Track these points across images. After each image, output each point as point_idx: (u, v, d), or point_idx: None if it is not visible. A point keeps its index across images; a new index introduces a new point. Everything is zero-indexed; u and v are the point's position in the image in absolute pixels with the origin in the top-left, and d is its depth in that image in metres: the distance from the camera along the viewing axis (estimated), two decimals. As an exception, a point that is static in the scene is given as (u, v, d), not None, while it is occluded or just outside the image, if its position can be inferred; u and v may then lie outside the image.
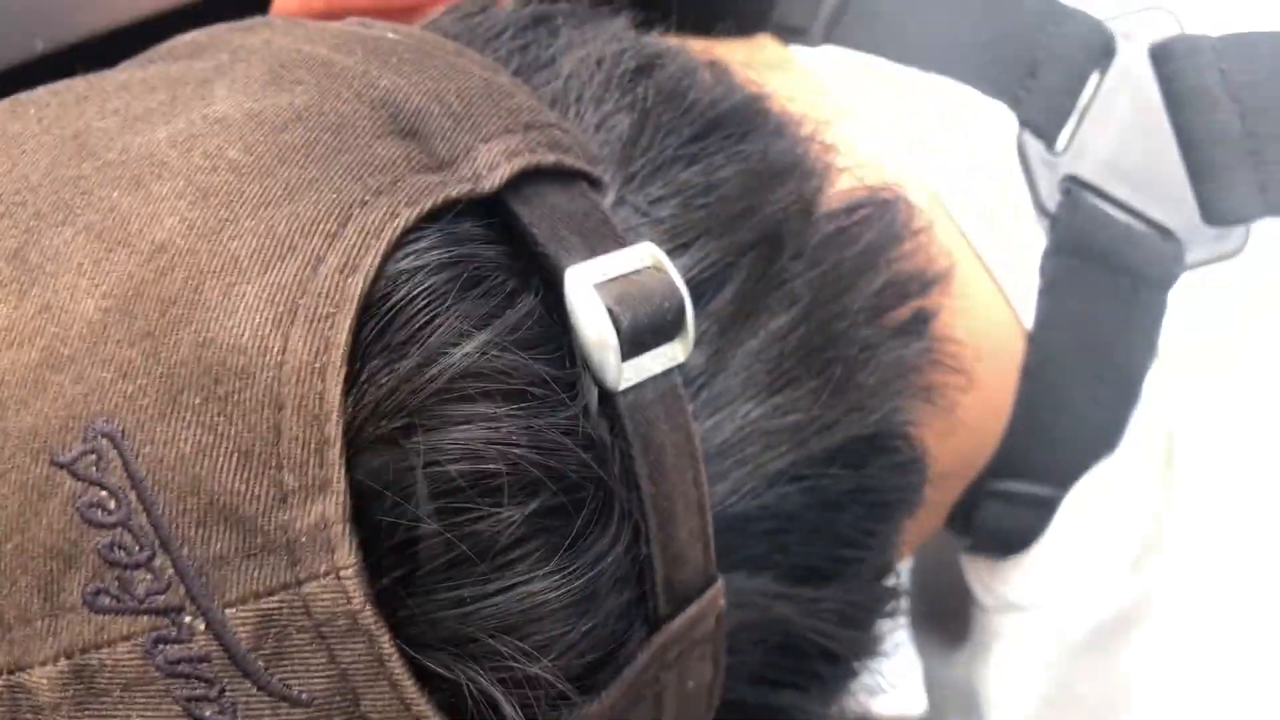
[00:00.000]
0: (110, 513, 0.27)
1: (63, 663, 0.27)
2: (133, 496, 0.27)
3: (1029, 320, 0.40)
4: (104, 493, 0.27)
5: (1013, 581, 0.43)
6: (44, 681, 0.27)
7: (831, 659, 0.36)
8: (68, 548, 0.27)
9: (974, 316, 0.39)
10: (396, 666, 0.27)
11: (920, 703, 0.52)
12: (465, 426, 0.28)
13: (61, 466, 0.27)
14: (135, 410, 0.27)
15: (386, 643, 0.27)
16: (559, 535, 0.29)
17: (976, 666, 0.45)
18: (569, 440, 0.29)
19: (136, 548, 0.27)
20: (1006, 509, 0.42)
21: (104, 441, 0.27)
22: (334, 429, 0.27)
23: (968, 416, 0.39)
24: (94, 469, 0.27)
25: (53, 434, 0.27)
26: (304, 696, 0.27)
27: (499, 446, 0.28)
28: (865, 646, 0.38)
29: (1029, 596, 0.43)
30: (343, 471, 0.27)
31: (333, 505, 0.27)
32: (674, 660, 0.32)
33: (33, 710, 0.28)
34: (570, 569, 0.29)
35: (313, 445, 0.27)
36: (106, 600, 0.27)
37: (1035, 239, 0.40)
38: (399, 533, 0.28)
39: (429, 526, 0.28)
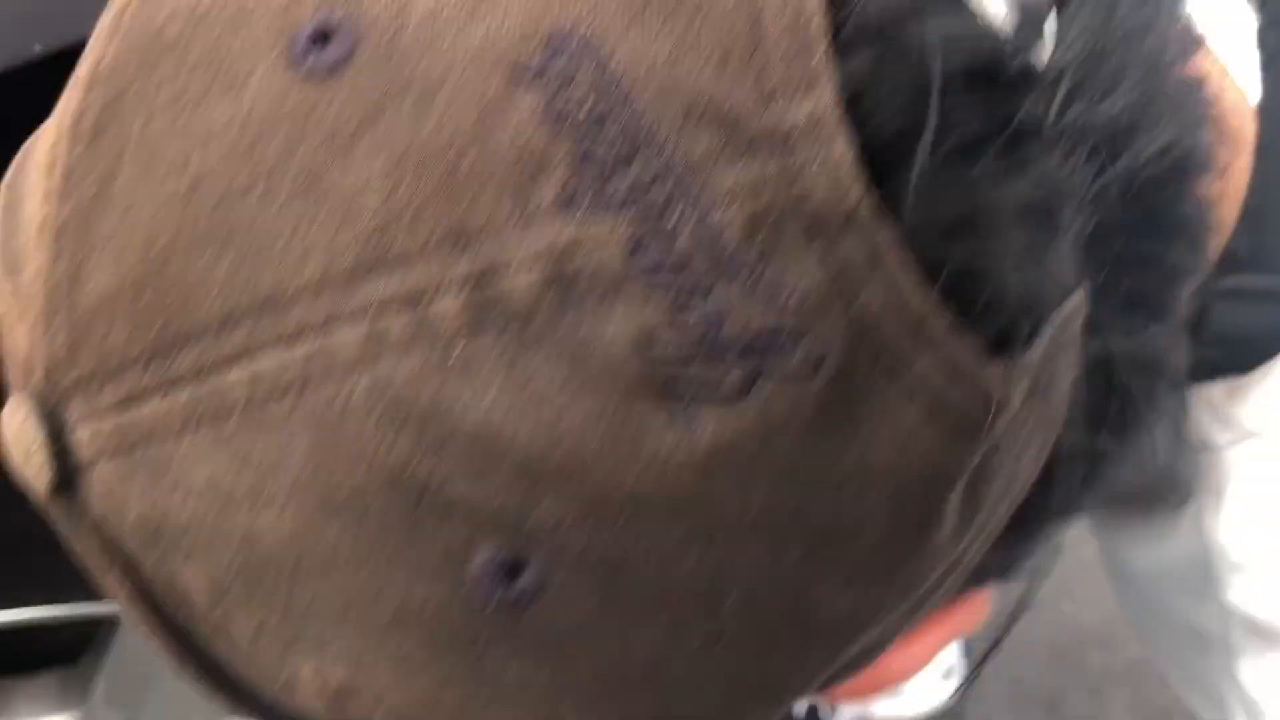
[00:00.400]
0: (586, 113, 0.26)
1: (539, 267, 0.26)
2: (609, 98, 0.26)
3: (1255, 95, 0.40)
4: (577, 94, 0.26)
5: (1253, 400, 0.42)
6: (519, 286, 0.26)
7: (1149, 408, 0.35)
8: (539, 151, 0.26)
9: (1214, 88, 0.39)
10: (894, 259, 0.26)
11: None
12: (943, 20, 0.28)
13: (525, 73, 0.26)
14: (600, 19, 0.27)
15: (885, 235, 0.26)
16: (1027, 141, 0.29)
17: (1206, 521, 0.44)
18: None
19: (616, 146, 0.26)
20: (1243, 308, 0.40)
21: (573, 45, 0.26)
22: (818, 29, 0.27)
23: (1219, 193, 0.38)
24: (562, 73, 0.26)
25: (510, 44, 0.26)
26: (795, 297, 0.26)
27: (979, 42, 0.28)
28: (1161, 415, 0.36)
29: (1272, 416, 0.42)
30: (832, 66, 0.26)
31: (825, 97, 0.26)
32: (1058, 350, 0.31)
33: (504, 317, 0.26)
34: (1035, 178, 0.29)
35: (797, 46, 0.26)
36: (585, 201, 0.26)
37: (1246, 17, 0.41)
38: (889, 127, 0.27)
39: (920, 118, 0.27)
